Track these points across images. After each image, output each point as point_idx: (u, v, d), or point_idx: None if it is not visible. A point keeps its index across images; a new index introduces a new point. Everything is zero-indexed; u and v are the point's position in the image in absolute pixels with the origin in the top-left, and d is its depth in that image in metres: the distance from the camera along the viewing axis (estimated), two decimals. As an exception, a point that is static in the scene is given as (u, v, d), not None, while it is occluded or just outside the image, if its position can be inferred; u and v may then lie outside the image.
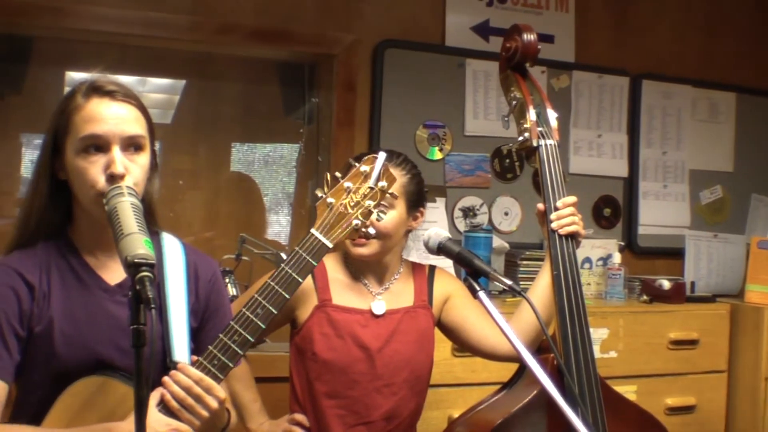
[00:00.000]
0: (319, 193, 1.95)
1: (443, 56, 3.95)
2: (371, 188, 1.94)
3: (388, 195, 1.98)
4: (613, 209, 4.30)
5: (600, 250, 4.00)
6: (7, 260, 1.94)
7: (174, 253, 2.06)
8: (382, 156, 1.97)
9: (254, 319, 1.84)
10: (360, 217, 1.93)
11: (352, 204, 1.93)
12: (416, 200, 2.53)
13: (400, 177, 2.43)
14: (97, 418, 1.80)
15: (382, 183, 1.95)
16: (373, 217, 1.95)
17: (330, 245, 1.92)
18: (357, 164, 1.97)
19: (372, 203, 1.94)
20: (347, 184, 1.94)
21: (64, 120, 1.89)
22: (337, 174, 1.96)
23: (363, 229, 1.95)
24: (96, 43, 3.83)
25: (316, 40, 3.79)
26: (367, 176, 1.95)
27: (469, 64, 3.98)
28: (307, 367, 2.46)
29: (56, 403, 1.82)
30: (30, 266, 1.91)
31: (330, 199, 1.93)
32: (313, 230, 1.92)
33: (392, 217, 2.42)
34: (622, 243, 4.16)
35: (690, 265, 4.28)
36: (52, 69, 4.03)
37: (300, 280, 1.89)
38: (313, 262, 1.90)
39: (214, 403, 1.80)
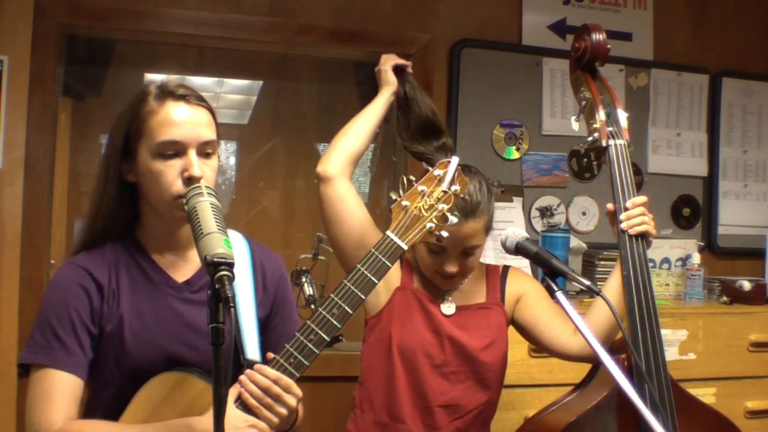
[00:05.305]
0: (394, 196, 1.97)
1: (520, 55, 3.94)
2: (444, 192, 1.96)
3: (461, 198, 1.99)
4: (693, 209, 4.23)
5: (679, 250, 3.94)
6: (76, 260, 1.96)
7: (239, 250, 2.08)
8: (455, 160, 1.98)
9: (330, 318, 1.85)
10: (434, 220, 1.94)
11: (426, 207, 1.94)
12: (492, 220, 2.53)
13: (488, 213, 2.41)
14: (175, 414, 1.82)
15: (455, 187, 1.97)
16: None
17: (405, 247, 1.93)
18: (430, 168, 1.98)
19: (446, 207, 1.95)
20: (421, 187, 1.95)
21: (138, 123, 1.90)
22: (411, 177, 1.98)
23: (437, 232, 1.96)
24: (174, 45, 3.90)
25: (392, 40, 3.79)
26: (440, 180, 1.96)
27: (546, 62, 3.96)
28: (379, 346, 2.47)
29: (134, 399, 1.85)
30: (98, 265, 1.94)
31: (405, 202, 1.95)
32: (388, 232, 1.94)
33: (480, 252, 2.44)
34: (702, 243, 4.10)
35: (771, 265, 4.19)
36: (132, 71, 4.12)
37: (375, 281, 1.90)
38: (389, 264, 1.91)
39: (293, 401, 1.82)
